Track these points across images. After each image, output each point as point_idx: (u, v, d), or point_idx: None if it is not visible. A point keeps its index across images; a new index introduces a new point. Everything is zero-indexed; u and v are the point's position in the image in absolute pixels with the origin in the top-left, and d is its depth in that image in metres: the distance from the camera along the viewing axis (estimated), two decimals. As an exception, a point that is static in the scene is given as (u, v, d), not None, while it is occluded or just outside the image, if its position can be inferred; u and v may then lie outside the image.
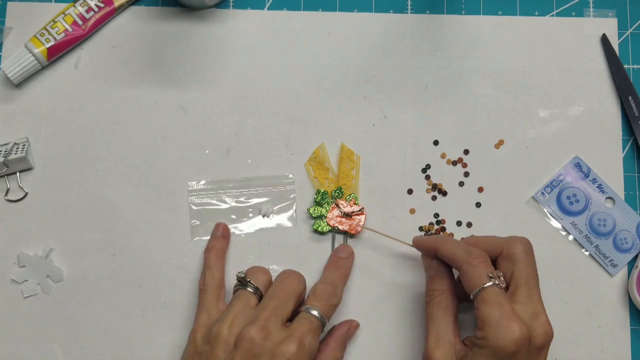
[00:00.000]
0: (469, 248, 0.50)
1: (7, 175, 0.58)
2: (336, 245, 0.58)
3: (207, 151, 0.59)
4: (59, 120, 0.59)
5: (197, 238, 0.58)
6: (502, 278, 0.48)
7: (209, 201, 0.58)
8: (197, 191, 0.58)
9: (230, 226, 0.58)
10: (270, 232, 0.58)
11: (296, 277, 0.52)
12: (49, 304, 0.57)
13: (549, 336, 0.47)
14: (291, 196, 0.59)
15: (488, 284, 0.47)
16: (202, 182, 0.59)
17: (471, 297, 0.48)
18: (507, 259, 0.50)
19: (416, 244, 0.53)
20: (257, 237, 0.58)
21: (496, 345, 0.45)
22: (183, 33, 0.61)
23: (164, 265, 0.58)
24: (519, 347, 0.45)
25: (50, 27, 0.59)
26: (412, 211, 0.59)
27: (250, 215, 0.58)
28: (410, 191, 0.59)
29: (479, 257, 0.49)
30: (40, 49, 0.58)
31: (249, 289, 0.51)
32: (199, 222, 0.58)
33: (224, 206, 0.58)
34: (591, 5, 0.62)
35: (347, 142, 0.60)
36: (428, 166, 0.60)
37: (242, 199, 0.59)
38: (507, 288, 0.49)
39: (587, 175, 0.59)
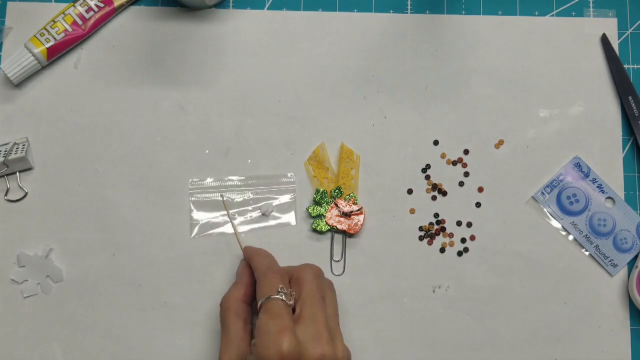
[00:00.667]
0: (273, 263, 0.51)
1: (7, 175, 0.58)
2: (335, 245, 0.58)
3: (207, 151, 0.59)
4: (59, 120, 0.59)
5: (196, 236, 0.58)
6: (292, 296, 0.48)
7: (208, 199, 0.58)
8: (197, 189, 0.58)
9: (230, 226, 0.58)
10: (270, 231, 0.58)
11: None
12: (49, 304, 0.57)
13: (325, 357, 0.46)
14: (291, 195, 0.59)
15: (275, 295, 0.47)
16: (203, 180, 0.59)
17: (258, 306, 0.48)
18: (296, 283, 0.50)
19: (245, 251, 0.54)
20: (257, 237, 0.58)
21: (262, 354, 0.45)
22: (183, 33, 0.61)
23: (164, 265, 0.58)
24: None
25: (50, 27, 0.59)
26: (412, 211, 0.59)
27: (250, 214, 0.58)
28: (410, 191, 0.59)
29: (276, 271, 0.50)
30: (40, 49, 0.58)
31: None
32: (198, 220, 0.58)
33: (224, 204, 0.58)
34: (591, 5, 0.62)
35: (347, 141, 0.60)
36: (428, 166, 0.60)
37: (242, 197, 0.59)
38: (294, 311, 0.48)
39: (587, 175, 0.59)
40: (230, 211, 0.58)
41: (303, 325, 0.47)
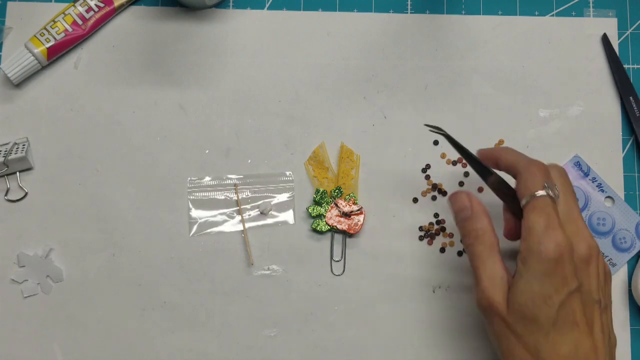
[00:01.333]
0: (531, 158, 0.49)
1: (7, 175, 0.58)
2: (335, 245, 0.58)
3: (207, 151, 0.59)
4: (59, 120, 0.59)
5: (195, 234, 0.58)
6: (557, 191, 0.47)
7: (207, 198, 0.58)
8: (196, 187, 0.59)
9: (229, 224, 0.58)
10: (269, 231, 0.58)
11: None
12: (49, 304, 0.57)
13: (593, 248, 0.46)
14: (290, 194, 0.59)
15: (541, 192, 0.46)
16: (201, 178, 0.59)
17: (522, 204, 0.47)
18: None
19: (481, 154, 0.52)
20: (257, 236, 0.58)
21: (539, 251, 0.44)
22: (183, 33, 0.61)
23: (164, 265, 0.58)
24: (561, 253, 0.44)
25: (50, 27, 0.59)
26: (415, 200, 0.59)
27: (249, 212, 0.58)
28: (415, 200, 0.59)
29: (539, 166, 0.48)
30: (40, 49, 0.58)
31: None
32: (197, 219, 0.58)
33: (223, 203, 0.58)
34: (591, 5, 0.62)
35: (347, 141, 0.60)
36: (428, 166, 0.60)
37: (241, 196, 0.59)
38: None
39: (586, 174, 0.59)
40: (230, 210, 0.58)
41: (563, 222, 0.47)
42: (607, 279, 0.49)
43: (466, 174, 0.60)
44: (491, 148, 0.52)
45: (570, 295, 0.45)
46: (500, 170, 0.51)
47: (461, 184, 0.59)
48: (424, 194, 0.59)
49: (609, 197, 0.59)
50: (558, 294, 0.45)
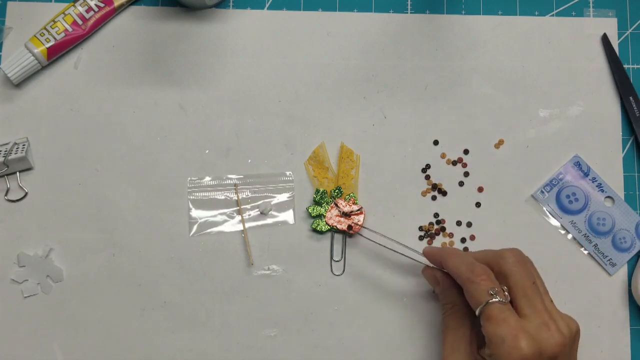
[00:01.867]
0: (472, 264, 0.48)
1: (7, 175, 0.58)
2: (335, 245, 0.58)
3: (207, 151, 0.59)
4: (59, 120, 0.59)
5: (195, 234, 0.58)
6: (506, 293, 0.47)
7: (207, 198, 0.58)
8: (196, 187, 0.59)
9: (229, 224, 0.58)
10: (269, 231, 0.58)
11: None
12: (49, 304, 0.57)
13: (561, 345, 0.45)
14: (290, 194, 0.59)
15: (490, 300, 0.46)
16: (201, 178, 0.59)
17: (477, 314, 0.47)
18: (500, 275, 0.49)
19: (426, 254, 0.53)
20: (257, 236, 0.58)
21: None
22: (183, 33, 0.61)
23: (164, 265, 0.58)
24: None
25: (50, 27, 0.59)
26: (415, 200, 0.59)
27: (249, 212, 0.58)
28: (415, 200, 0.59)
29: (480, 273, 0.48)
30: (40, 49, 0.58)
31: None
32: (197, 219, 0.58)
33: (223, 203, 0.58)
34: (591, 5, 0.62)
35: (347, 141, 0.60)
36: (428, 166, 0.60)
37: (241, 196, 0.59)
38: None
39: (586, 174, 0.60)
40: (230, 210, 0.58)
41: (526, 318, 0.46)
42: (572, 350, 0.48)
43: (466, 174, 0.60)
44: (436, 249, 0.53)
45: None
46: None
47: (461, 184, 0.59)
48: (424, 194, 0.59)
49: (609, 197, 0.59)
50: None
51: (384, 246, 0.56)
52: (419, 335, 0.57)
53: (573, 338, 0.47)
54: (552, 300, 0.49)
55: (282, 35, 0.61)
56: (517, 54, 0.61)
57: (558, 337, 0.46)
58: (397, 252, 0.56)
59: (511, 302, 0.47)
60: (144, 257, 0.58)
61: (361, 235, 0.57)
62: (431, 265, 0.54)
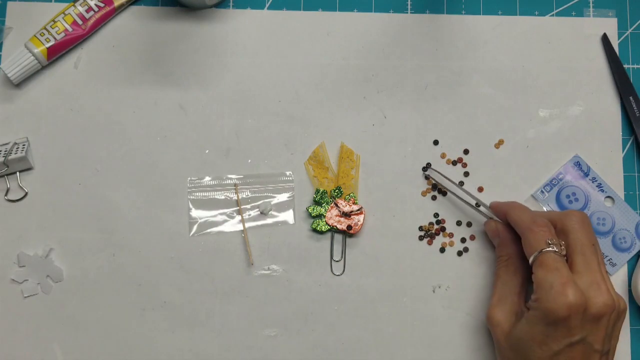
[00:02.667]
0: (535, 215, 0.51)
1: (7, 175, 0.58)
2: (335, 245, 0.58)
3: (207, 151, 0.59)
4: (59, 120, 0.59)
5: (195, 234, 0.58)
6: (562, 246, 0.49)
7: (207, 198, 0.58)
8: (196, 187, 0.59)
9: (229, 224, 0.58)
10: (269, 231, 0.58)
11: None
12: (49, 304, 0.57)
13: (608, 306, 0.46)
14: (290, 194, 0.59)
15: (546, 249, 0.48)
16: (201, 178, 0.59)
17: (530, 262, 0.48)
18: (561, 232, 0.50)
19: (492, 207, 0.56)
20: (257, 236, 0.58)
21: (547, 308, 0.45)
22: (183, 33, 0.61)
23: (164, 265, 0.58)
24: (571, 312, 0.45)
25: (50, 26, 0.59)
26: (415, 200, 0.59)
27: (249, 212, 0.58)
28: (415, 200, 0.59)
29: (541, 224, 0.49)
30: (40, 49, 0.58)
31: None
32: (197, 218, 0.58)
33: (223, 203, 0.58)
34: (591, 5, 0.62)
35: (347, 141, 0.60)
36: (428, 166, 0.60)
37: (241, 196, 0.59)
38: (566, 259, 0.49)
39: (586, 174, 0.59)
40: (230, 210, 0.58)
41: (578, 274, 0.47)
42: (616, 326, 0.48)
43: (466, 174, 0.60)
44: (502, 203, 0.55)
45: (570, 346, 0.46)
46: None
47: (461, 184, 0.59)
48: (424, 194, 0.59)
49: (608, 197, 0.59)
50: (556, 343, 0.46)
51: (454, 193, 0.58)
52: (419, 335, 0.57)
53: (620, 311, 0.48)
54: (607, 271, 0.50)
55: (282, 35, 0.61)
56: (517, 54, 0.61)
57: (607, 297, 0.46)
58: (463, 201, 0.58)
59: (566, 259, 0.49)
60: (144, 257, 0.58)
61: (431, 177, 0.59)
62: (495, 218, 0.56)
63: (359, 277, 0.58)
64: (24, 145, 0.58)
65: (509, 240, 0.54)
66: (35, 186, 0.58)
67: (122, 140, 0.59)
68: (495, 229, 0.55)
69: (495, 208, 0.56)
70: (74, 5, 0.59)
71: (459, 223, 0.59)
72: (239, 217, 0.58)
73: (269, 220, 0.58)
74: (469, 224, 0.59)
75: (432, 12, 0.62)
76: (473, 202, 0.57)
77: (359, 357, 0.57)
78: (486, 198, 0.59)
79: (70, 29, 0.59)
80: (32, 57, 0.58)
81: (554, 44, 0.62)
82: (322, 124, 0.60)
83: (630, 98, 0.60)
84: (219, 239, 0.58)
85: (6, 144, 0.58)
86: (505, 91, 0.61)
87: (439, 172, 0.58)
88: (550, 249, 0.48)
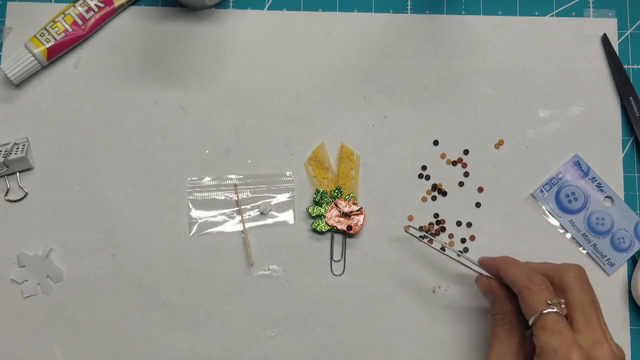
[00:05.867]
0: (531, 273, 0.48)
1: (7, 175, 0.58)
2: (335, 245, 0.58)
3: (207, 151, 0.59)
4: (59, 120, 0.59)
5: (195, 234, 0.58)
6: (562, 306, 0.47)
7: (207, 198, 0.58)
8: (196, 188, 0.59)
9: (229, 224, 0.58)
10: (269, 231, 0.58)
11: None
12: (49, 304, 0.57)
13: None
14: (290, 194, 0.59)
15: (547, 310, 0.46)
16: (201, 179, 0.59)
17: (530, 323, 0.47)
18: (559, 288, 0.49)
19: (482, 263, 0.53)
20: (257, 236, 0.58)
21: None
22: (183, 33, 0.61)
23: (164, 265, 0.58)
24: None
25: (50, 27, 0.59)
26: (410, 218, 0.59)
27: (249, 213, 0.58)
28: (415, 200, 0.59)
29: (539, 283, 0.47)
30: (40, 49, 0.58)
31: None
32: (197, 219, 0.58)
33: (223, 203, 0.58)
34: (591, 5, 0.62)
35: (347, 142, 0.60)
36: (424, 168, 0.60)
37: (241, 196, 0.59)
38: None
39: (586, 174, 0.60)
40: (230, 210, 0.58)
41: (580, 333, 0.46)
42: None
43: (466, 174, 0.60)
44: (492, 259, 0.53)
45: None
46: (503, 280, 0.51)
47: (461, 184, 0.59)
48: (424, 199, 0.59)
49: (608, 197, 0.59)
50: None
51: (438, 250, 0.56)
52: (419, 336, 0.57)
53: None
54: (606, 323, 0.48)
55: (282, 35, 0.61)
56: (517, 54, 0.61)
57: (611, 356, 0.45)
58: (452, 259, 0.55)
59: (567, 317, 0.47)
60: (144, 257, 0.58)
61: (412, 235, 0.57)
62: (486, 274, 0.53)
63: (359, 277, 0.58)
64: (24, 145, 0.58)
65: (504, 297, 0.51)
66: (35, 186, 0.58)
67: (122, 140, 0.59)
68: (488, 286, 0.52)
69: (485, 264, 0.53)
70: (74, 6, 0.59)
71: (458, 223, 0.59)
72: (239, 218, 0.58)
73: (269, 221, 0.59)
74: (468, 224, 0.59)
75: (432, 13, 0.62)
76: (463, 261, 0.55)
77: (359, 357, 0.57)
78: (486, 198, 0.59)
79: (70, 29, 0.59)
80: (32, 58, 0.58)
81: (554, 44, 0.62)
82: (322, 124, 0.60)
83: (630, 98, 0.60)
84: (219, 239, 0.58)
85: (6, 144, 0.58)
86: (505, 91, 0.61)
87: (418, 237, 0.57)
88: (551, 309, 0.46)
